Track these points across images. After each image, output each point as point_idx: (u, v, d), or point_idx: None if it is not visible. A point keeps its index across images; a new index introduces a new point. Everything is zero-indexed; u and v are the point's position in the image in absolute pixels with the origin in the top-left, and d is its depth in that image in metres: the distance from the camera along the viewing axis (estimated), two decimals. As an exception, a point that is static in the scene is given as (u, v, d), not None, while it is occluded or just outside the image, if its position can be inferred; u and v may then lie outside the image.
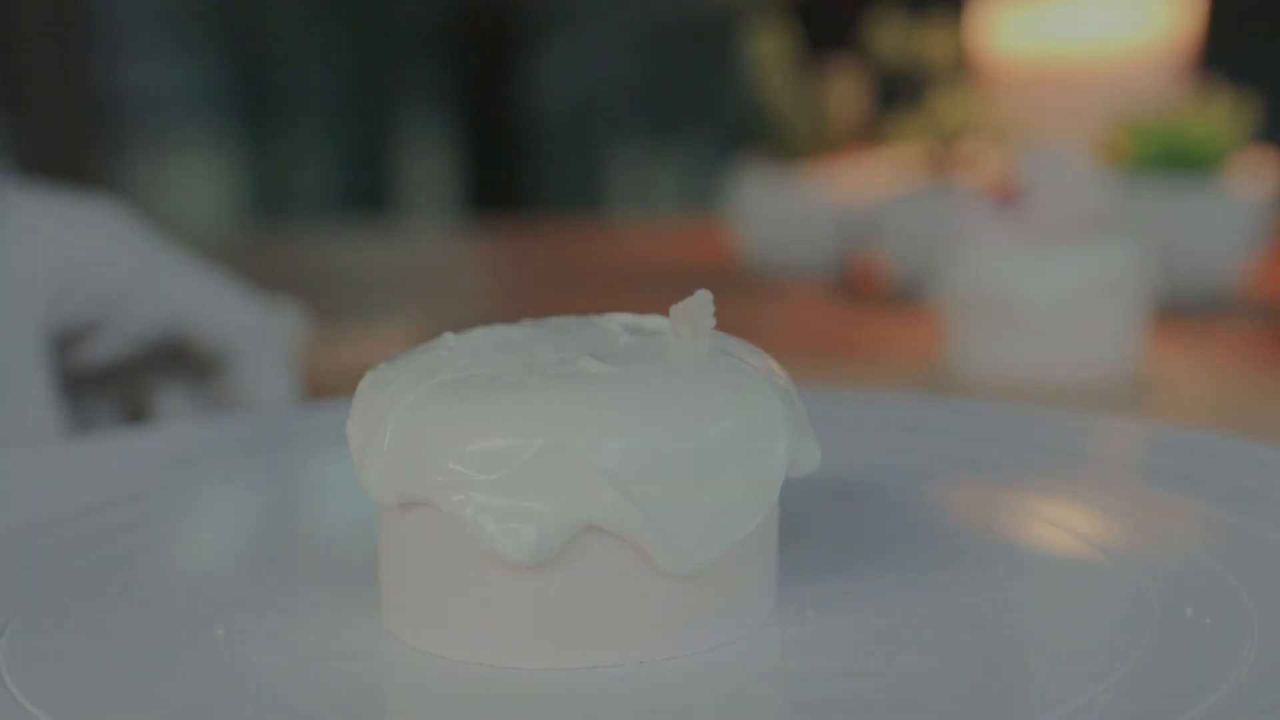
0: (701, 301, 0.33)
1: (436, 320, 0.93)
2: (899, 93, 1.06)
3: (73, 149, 2.08)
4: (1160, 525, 0.39)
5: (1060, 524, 0.39)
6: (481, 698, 0.29)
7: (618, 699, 0.29)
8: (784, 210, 1.08)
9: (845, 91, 1.09)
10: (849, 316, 0.96)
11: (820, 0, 1.65)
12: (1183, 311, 0.90)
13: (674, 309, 0.33)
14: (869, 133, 1.10)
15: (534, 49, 2.61)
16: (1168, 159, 0.93)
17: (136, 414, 0.40)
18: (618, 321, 0.36)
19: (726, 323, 0.35)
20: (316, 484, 0.46)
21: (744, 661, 0.31)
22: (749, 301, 1.01)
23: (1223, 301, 0.94)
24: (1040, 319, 0.69)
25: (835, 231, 1.08)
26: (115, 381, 0.45)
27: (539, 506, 0.30)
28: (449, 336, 0.34)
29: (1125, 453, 0.48)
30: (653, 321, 0.36)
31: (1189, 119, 0.94)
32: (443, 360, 0.33)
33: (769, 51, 1.09)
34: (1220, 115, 0.93)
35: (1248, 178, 0.95)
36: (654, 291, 1.05)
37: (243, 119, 2.58)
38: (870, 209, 1.04)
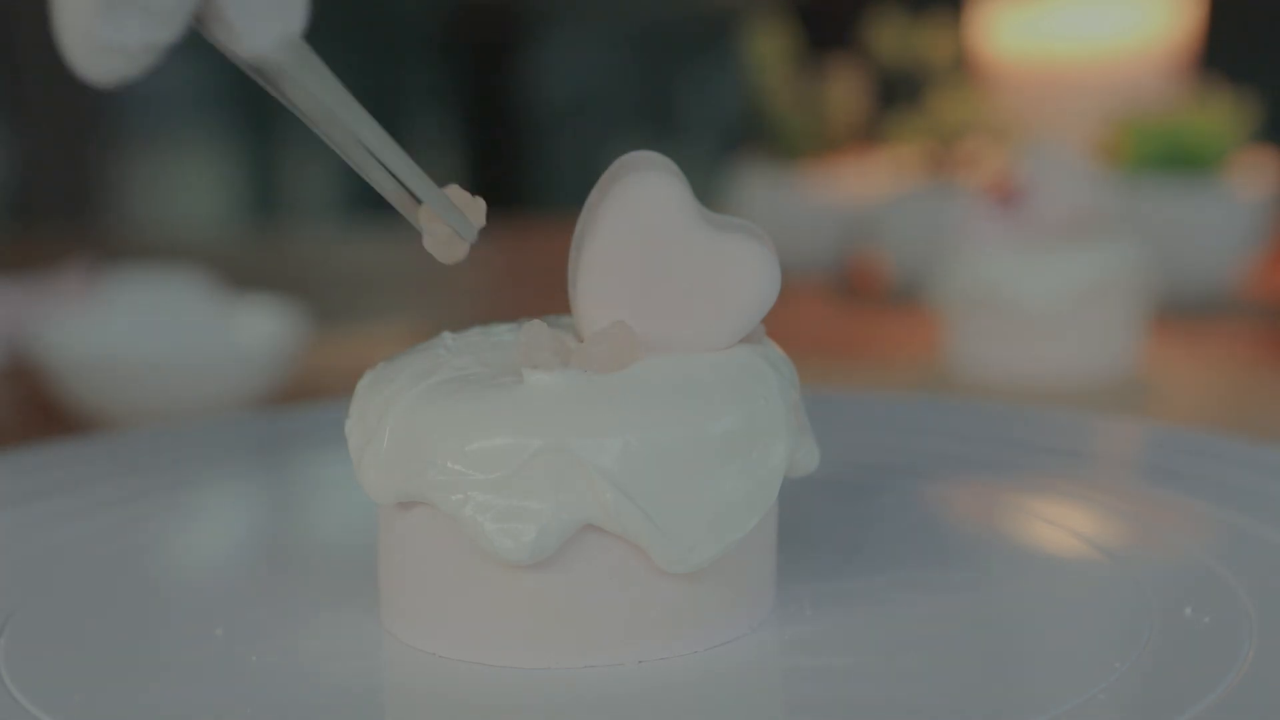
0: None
1: (436, 320, 0.93)
2: (899, 93, 1.06)
3: (73, 149, 2.08)
4: (1160, 525, 0.39)
5: (1060, 524, 0.39)
6: (481, 697, 0.29)
7: (616, 698, 0.29)
8: (784, 210, 1.08)
9: (845, 91, 1.09)
10: (849, 316, 0.96)
11: (820, 0, 1.65)
12: (1182, 311, 0.89)
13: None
14: (869, 133, 1.10)
15: (534, 49, 2.61)
16: (1168, 159, 0.93)
17: None
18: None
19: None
20: (316, 484, 0.46)
21: (744, 661, 0.31)
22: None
23: (1222, 301, 0.94)
24: (1040, 319, 0.69)
25: (835, 231, 1.08)
26: None
27: (538, 506, 0.30)
28: (447, 336, 0.34)
29: (1125, 453, 0.48)
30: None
31: (1189, 119, 0.94)
32: (441, 360, 0.32)
33: (769, 51, 1.09)
34: (1220, 115, 0.93)
35: (1248, 178, 0.95)
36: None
37: (242, 119, 2.58)
38: (870, 209, 1.04)
